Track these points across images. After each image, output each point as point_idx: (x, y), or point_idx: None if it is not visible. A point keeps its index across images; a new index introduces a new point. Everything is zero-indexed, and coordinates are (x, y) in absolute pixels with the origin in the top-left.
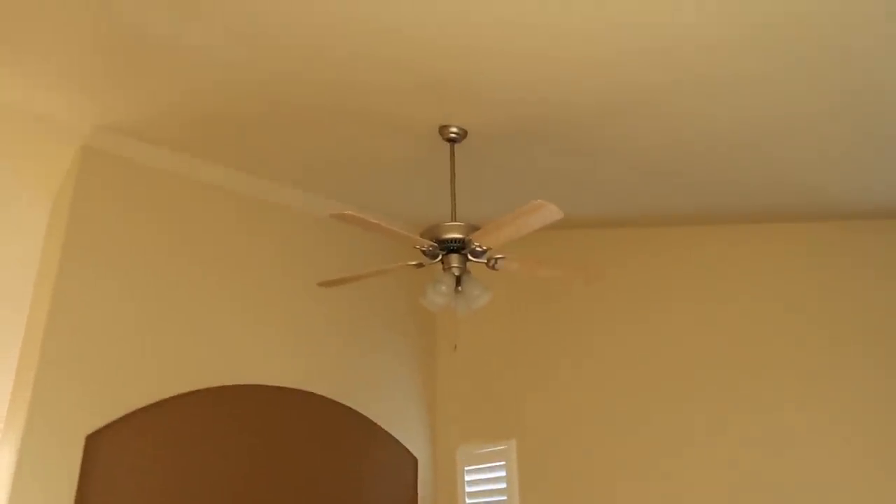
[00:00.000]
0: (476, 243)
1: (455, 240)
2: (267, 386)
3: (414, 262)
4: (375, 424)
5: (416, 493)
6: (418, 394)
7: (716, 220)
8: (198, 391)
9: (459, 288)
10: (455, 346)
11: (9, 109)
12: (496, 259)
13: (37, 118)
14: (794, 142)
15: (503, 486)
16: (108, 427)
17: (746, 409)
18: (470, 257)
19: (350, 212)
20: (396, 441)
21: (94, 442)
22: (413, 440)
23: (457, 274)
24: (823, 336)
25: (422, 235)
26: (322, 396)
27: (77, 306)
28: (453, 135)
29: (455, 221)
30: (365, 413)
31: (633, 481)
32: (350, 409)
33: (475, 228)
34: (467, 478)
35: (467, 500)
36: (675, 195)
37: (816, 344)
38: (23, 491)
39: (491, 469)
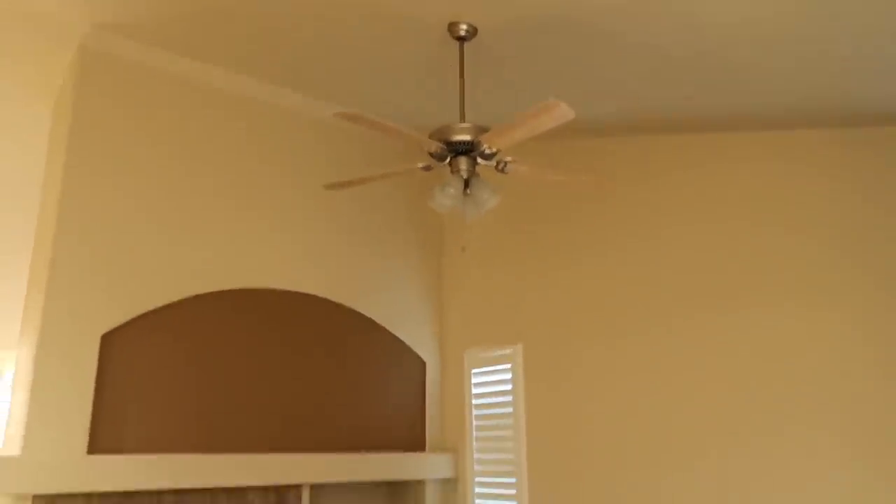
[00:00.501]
0: (485, 145)
1: (464, 142)
2: (277, 290)
3: (422, 165)
4: (384, 329)
5: (425, 395)
6: (426, 298)
7: (727, 127)
8: (207, 294)
9: (468, 191)
10: (463, 248)
11: (1, 7)
12: (505, 162)
13: (32, 16)
14: (812, 40)
15: (509, 387)
16: (122, 327)
17: (751, 318)
18: (479, 160)
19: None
20: (405, 345)
21: (110, 341)
22: (421, 344)
23: (465, 177)
24: (835, 248)
25: (430, 137)
26: (331, 301)
27: (85, 210)
28: (463, 33)
29: (464, 123)
30: (373, 318)
31: (635, 385)
32: (359, 313)
33: (484, 130)
34: (474, 380)
35: (474, 402)
36: (687, 95)
37: (825, 256)
38: (42, 391)
39: (497, 372)
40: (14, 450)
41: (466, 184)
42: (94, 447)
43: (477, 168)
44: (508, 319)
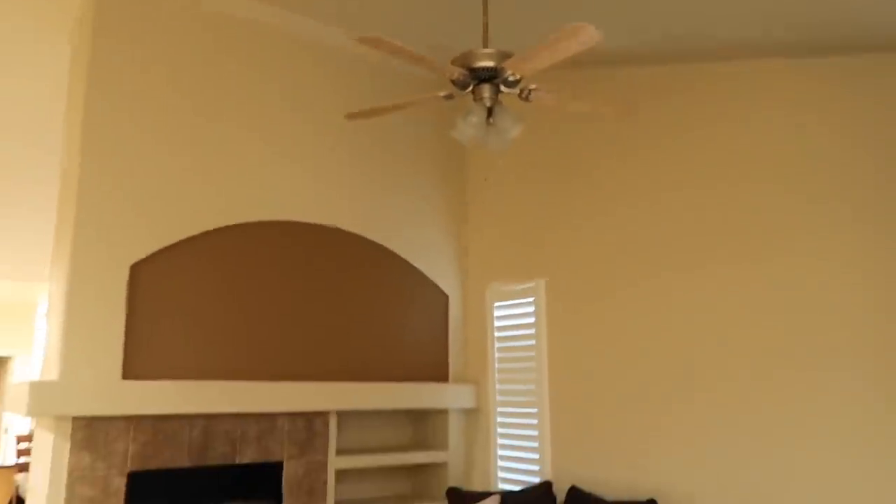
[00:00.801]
0: (509, 72)
1: (487, 68)
2: (301, 223)
3: (444, 94)
4: (407, 262)
5: (448, 328)
6: (449, 232)
7: (749, 54)
8: (233, 226)
9: (491, 119)
10: (486, 178)
11: None
12: (530, 90)
13: None
14: None
15: (531, 320)
16: (150, 258)
17: (769, 256)
18: (502, 87)
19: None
20: (428, 278)
21: (139, 271)
22: (444, 278)
23: (488, 105)
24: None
25: (452, 63)
26: (355, 234)
27: (108, 143)
28: None
29: (487, 49)
30: (397, 251)
31: (655, 321)
32: (383, 247)
33: (508, 56)
34: (496, 313)
35: (496, 334)
36: (714, 19)
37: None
38: (76, 320)
39: (520, 306)
40: (53, 375)
41: (489, 112)
42: (129, 373)
43: (500, 96)
44: (531, 254)
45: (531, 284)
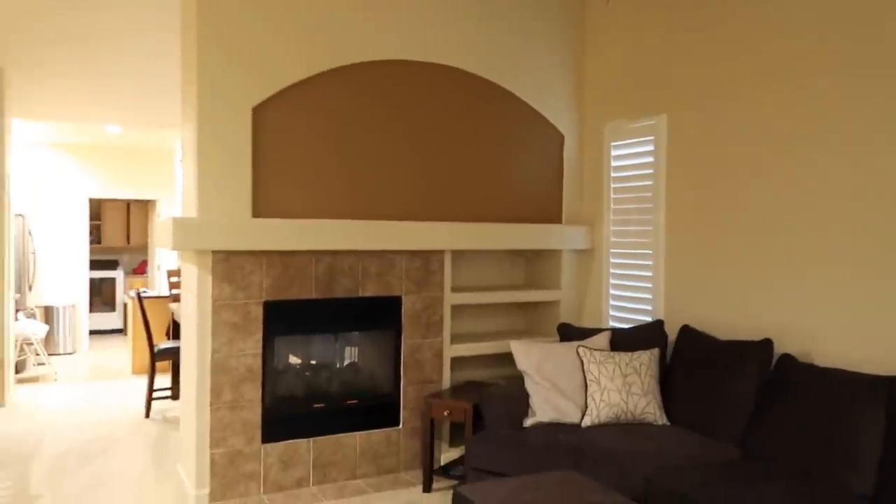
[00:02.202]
0: None
1: None
2: (415, 61)
3: None
4: (521, 100)
5: (562, 169)
6: (565, 67)
7: None
8: (350, 66)
9: None
10: (608, 1)
11: None
12: None
13: None
14: None
15: (650, 160)
16: (270, 100)
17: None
18: None
19: None
20: (542, 117)
21: (260, 114)
22: (559, 116)
23: None
24: None
25: None
26: (470, 73)
27: None
28: None
29: None
30: (511, 89)
31: (783, 162)
32: (498, 86)
33: None
34: (614, 153)
35: (612, 175)
36: None
37: None
38: (207, 162)
39: (638, 144)
40: (191, 214)
41: None
42: (258, 211)
43: None
44: (652, 89)
45: (651, 121)
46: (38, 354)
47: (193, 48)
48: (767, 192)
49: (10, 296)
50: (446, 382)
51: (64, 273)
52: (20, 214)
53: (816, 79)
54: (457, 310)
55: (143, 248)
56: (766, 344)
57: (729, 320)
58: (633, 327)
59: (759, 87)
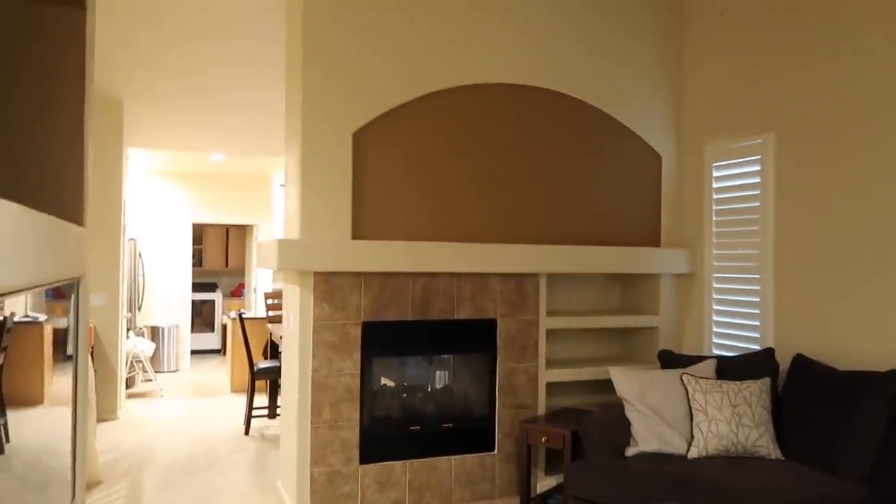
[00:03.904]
0: None
1: None
2: (512, 84)
3: None
4: (617, 121)
5: (660, 191)
6: (662, 87)
7: None
8: (447, 90)
9: None
10: (722, 12)
11: None
12: None
13: None
14: None
15: (756, 180)
16: (370, 124)
17: None
18: None
19: None
20: (639, 138)
21: (361, 139)
22: (657, 136)
23: None
24: None
25: None
26: (564, 94)
27: (328, 16)
28: None
29: None
30: (606, 110)
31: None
32: (591, 106)
33: None
34: (715, 174)
35: (714, 197)
36: None
37: None
38: (310, 185)
39: (743, 164)
40: (294, 236)
41: None
42: (357, 234)
43: None
44: (758, 105)
45: (758, 140)
46: (145, 371)
47: (298, 77)
48: (887, 212)
49: (123, 315)
50: (541, 408)
51: (169, 295)
52: (132, 238)
53: None
54: (551, 334)
55: (241, 272)
56: (893, 375)
57: (847, 349)
58: (740, 355)
59: (877, 99)
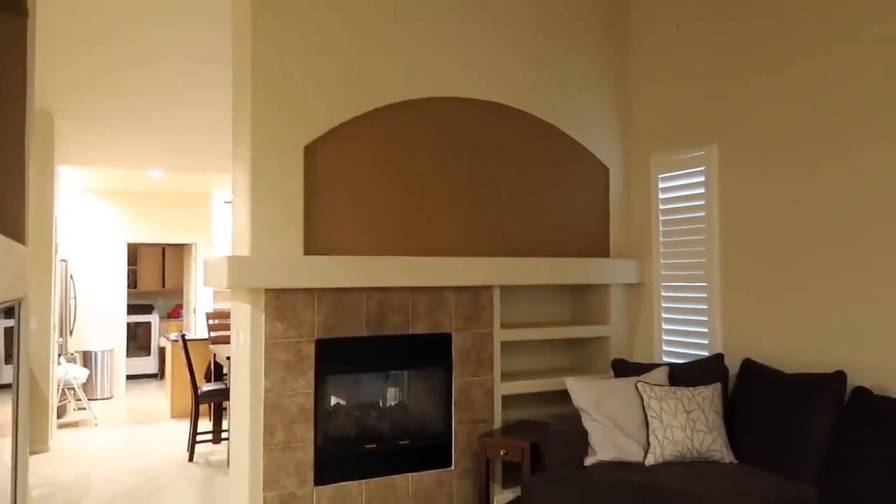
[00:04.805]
0: None
1: None
2: (460, 98)
3: None
4: (565, 134)
5: (608, 203)
6: (610, 98)
7: None
8: (396, 104)
9: None
10: (678, 25)
11: None
12: None
13: None
14: None
15: (701, 191)
16: (321, 138)
17: None
18: None
19: None
20: (587, 151)
21: (312, 152)
22: (604, 149)
23: None
24: None
25: None
26: (516, 109)
27: (278, 28)
28: None
29: None
30: (555, 123)
31: (843, 186)
32: (541, 119)
33: None
34: (661, 185)
35: (661, 207)
36: None
37: None
38: (260, 200)
39: (688, 175)
40: (243, 253)
41: None
42: (310, 249)
43: None
44: (701, 118)
45: (702, 152)
46: (78, 399)
47: (247, 89)
48: (828, 220)
49: (54, 340)
50: (497, 421)
51: (102, 318)
52: (63, 259)
53: (880, 99)
54: (506, 346)
55: (178, 292)
56: (839, 376)
57: (794, 353)
58: (691, 362)
59: (816, 112)
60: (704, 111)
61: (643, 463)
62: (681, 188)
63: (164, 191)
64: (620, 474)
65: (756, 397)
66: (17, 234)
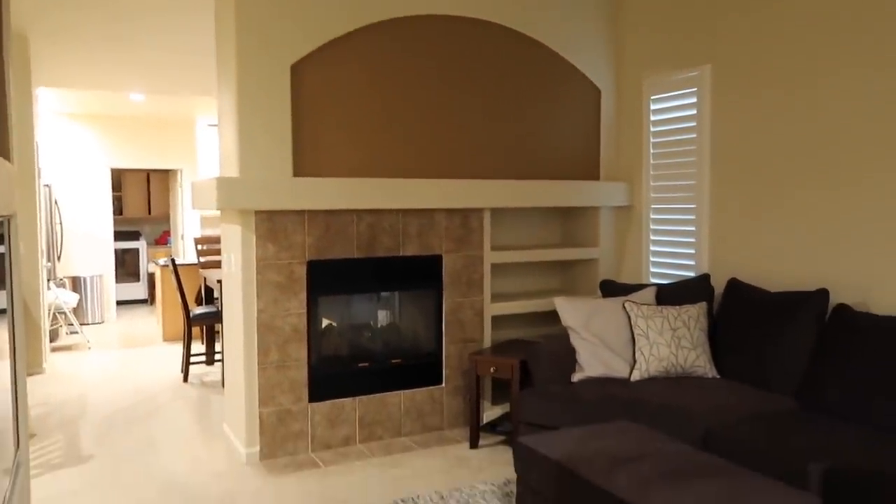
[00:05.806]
0: None
1: None
2: (454, 17)
3: None
4: (557, 54)
5: (599, 125)
6: (603, 18)
7: None
8: (386, 21)
9: None
10: None
11: None
12: None
13: None
14: None
15: (693, 112)
16: (308, 57)
17: None
18: None
19: None
20: (578, 71)
21: (299, 71)
22: (596, 70)
23: None
24: None
25: None
26: (507, 28)
27: None
28: None
29: None
30: (547, 43)
31: (832, 107)
32: (532, 39)
33: None
34: (653, 107)
35: (652, 129)
36: None
37: None
38: (247, 122)
39: (680, 97)
40: (232, 174)
41: None
42: (299, 171)
43: None
44: (694, 38)
45: (694, 73)
46: (70, 324)
47: (231, 6)
48: (817, 140)
49: (43, 265)
50: (487, 341)
51: (90, 243)
52: (47, 185)
53: (878, 21)
54: (496, 269)
55: (165, 219)
56: (822, 294)
57: (778, 273)
58: (678, 282)
59: (810, 31)
60: (699, 31)
61: (629, 379)
62: (673, 109)
63: (147, 115)
64: (607, 389)
65: (740, 315)
66: (2, 151)
